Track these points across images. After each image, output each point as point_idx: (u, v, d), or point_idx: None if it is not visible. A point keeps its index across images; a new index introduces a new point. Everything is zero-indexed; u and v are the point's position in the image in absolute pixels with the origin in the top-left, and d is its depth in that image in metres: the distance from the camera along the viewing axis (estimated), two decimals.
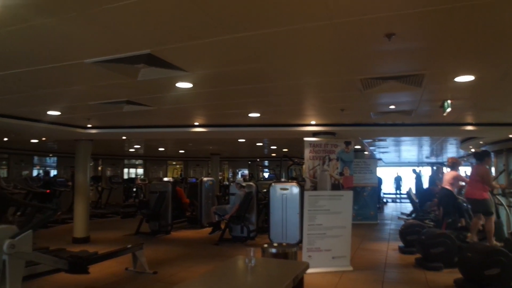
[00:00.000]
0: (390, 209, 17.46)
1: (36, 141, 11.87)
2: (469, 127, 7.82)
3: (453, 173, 7.57)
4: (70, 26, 2.87)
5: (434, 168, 13.66)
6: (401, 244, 7.96)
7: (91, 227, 9.55)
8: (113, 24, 2.87)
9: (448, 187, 7.40)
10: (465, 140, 11.58)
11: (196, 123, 8.12)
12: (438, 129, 8.16)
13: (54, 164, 19.19)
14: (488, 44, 3.30)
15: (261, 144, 14.44)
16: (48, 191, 12.18)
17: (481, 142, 11.61)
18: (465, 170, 14.52)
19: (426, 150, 16.45)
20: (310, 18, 2.75)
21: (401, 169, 24.17)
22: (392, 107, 6.22)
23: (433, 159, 21.30)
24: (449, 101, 5.49)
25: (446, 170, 12.99)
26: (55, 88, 4.86)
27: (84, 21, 2.78)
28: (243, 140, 12.40)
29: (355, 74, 4.25)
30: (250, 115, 6.91)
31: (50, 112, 6.55)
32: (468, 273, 5.35)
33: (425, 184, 15.69)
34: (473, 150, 12.83)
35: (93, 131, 8.55)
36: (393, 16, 2.71)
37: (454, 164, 7.74)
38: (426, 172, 21.78)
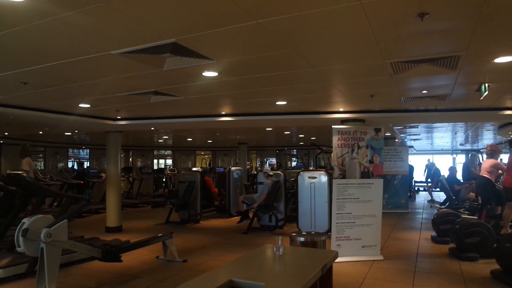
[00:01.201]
0: (422, 197, 17.02)
1: (69, 133, 12.27)
2: (509, 112, 7.40)
3: (492, 161, 7.27)
4: (95, 18, 2.88)
5: (469, 155, 13.16)
6: (433, 233, 7.74)
7: (123, 217, 9.83)
8: (136, 14, 2.85)
9: (486, 175, 7.10)
10: (503, 126, 11.04)
11: (223, 112, 8.12)
12: (474, 114, 7.78)
13: (87, 156, 19.83)
14: None
15: (288, 132, 14.34)
16: (82, 182, 12.63)
17: None
18: (501, 158, 13.91)
19: (460, 136, 15.85)
20: None
21: (434, 157, 23.36)
22: (424, 92, 5.97)
23: (467, 146, 20.50)
24: (486, 84, 5.21)
25: (481, 157, 12.51)
26: (84, 80, 4.95)
27: (108, 12, 2.78)
28: (271, 129, 12.34)
29: (385, 57, 4.08)
30: (277, 103, 6.83)
31: (81, 105, 6.72)
32: (506, 264, 5.12)
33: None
34: None
35: (123, 122, 8.72)
36: None
37: (493, 152, 7.41)
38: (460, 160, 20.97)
